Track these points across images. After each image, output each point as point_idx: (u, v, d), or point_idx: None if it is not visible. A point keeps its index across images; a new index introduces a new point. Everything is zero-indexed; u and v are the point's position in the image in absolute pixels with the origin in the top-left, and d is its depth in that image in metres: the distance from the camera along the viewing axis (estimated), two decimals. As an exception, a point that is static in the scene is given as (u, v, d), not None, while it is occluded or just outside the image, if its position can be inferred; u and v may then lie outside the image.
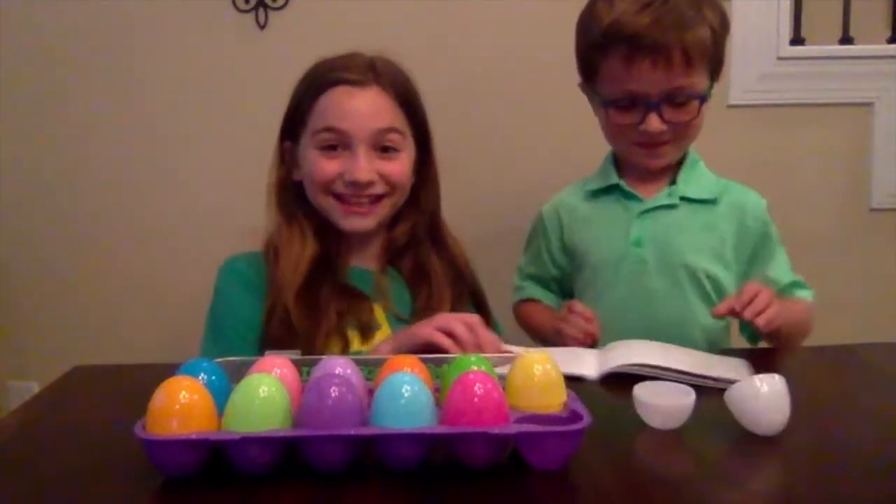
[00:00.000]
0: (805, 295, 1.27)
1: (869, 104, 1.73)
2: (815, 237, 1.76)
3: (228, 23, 1.76)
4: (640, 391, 0.77)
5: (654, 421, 0.75)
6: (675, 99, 1.16)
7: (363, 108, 1.11)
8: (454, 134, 1.65)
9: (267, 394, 0.66)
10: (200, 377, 0.71)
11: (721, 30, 1.19)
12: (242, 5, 1.75)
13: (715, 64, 1.20)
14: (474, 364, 0.76)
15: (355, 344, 1.07)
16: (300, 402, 0.67)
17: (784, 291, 1.24)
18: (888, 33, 1.73)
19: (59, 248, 1.85)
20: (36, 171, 1.85)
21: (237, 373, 0.74)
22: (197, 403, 0.66)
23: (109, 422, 0.83)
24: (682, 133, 1.20)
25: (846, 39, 1.72)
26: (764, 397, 0.73)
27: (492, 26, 1.72)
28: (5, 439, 0.78)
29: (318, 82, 1.13)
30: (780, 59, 1.72)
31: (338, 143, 1.11)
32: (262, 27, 1.76)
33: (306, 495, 0.63)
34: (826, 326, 1.72)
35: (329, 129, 1.11)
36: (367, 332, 1.09)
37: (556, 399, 0.72)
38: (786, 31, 1.72)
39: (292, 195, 1.16)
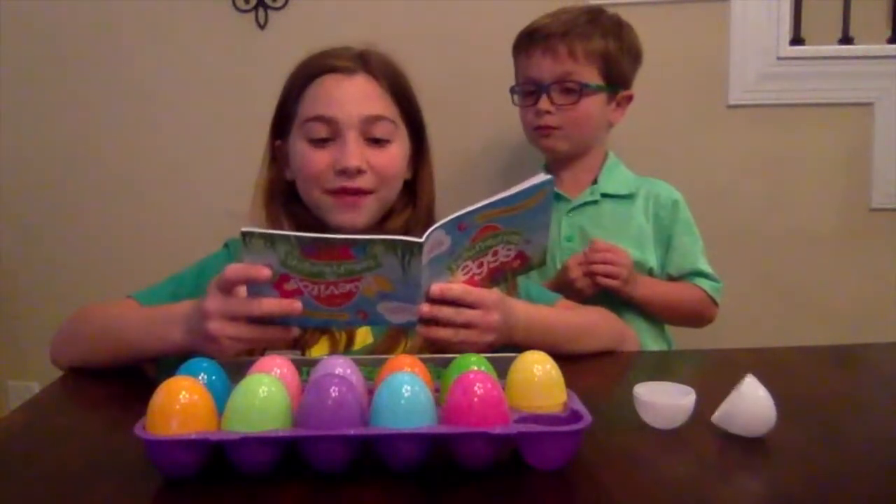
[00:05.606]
0: (703, 284, 1.41)
1: (869, 104, 1.73)
2: (815, 237, 1.76)
3: (228, 23, 1.76)
4: (641, 391, 0.77)
5: (654, 421, 0.75)
6: (563, 84, 1.39)
7: (351, 95, 1.09)
8: (455, 132, 1.66)
9: (267, 394, 0.66)
10: (200, 377, 0.71)
11: (619, 53, 1.41)
12: (242, 5, 1.76)
13: (611, 75, 1.41)
14: (474, 364, 0.76)
15: (342, 343, 1.05)
16: (300, 402, 0.67)
17: (685, 277, 1.42)
18: (888, 33, 1.73)
19: (60, 247, 1.86)
20: (36, 170, 1.85)
21: (237, 373, 0.74)
22: (197, 403, 0.65)
23: (109, 422, 0.83)
24: (571, 121, 1.41)
25: (846, 39, 1.72)
26: (744, 405, 0.72)
27: (493, 26, 1.71)
28: (5, 439, 0.78)
29: (306, 72, 1.12)
30: (779, 59, 1.72)
31: (327, 135, 1.09)
32: (262, 27, 1.76)
33: (306, 495, 0.63)
34: (826, 326, 1.73)
35: (317, 118, 1.08)
36: (350, 333, 1.05)
37: (556, 399, 0.72)
38: (786, 31, 1.72)
39: (281, 196, 1.14)
